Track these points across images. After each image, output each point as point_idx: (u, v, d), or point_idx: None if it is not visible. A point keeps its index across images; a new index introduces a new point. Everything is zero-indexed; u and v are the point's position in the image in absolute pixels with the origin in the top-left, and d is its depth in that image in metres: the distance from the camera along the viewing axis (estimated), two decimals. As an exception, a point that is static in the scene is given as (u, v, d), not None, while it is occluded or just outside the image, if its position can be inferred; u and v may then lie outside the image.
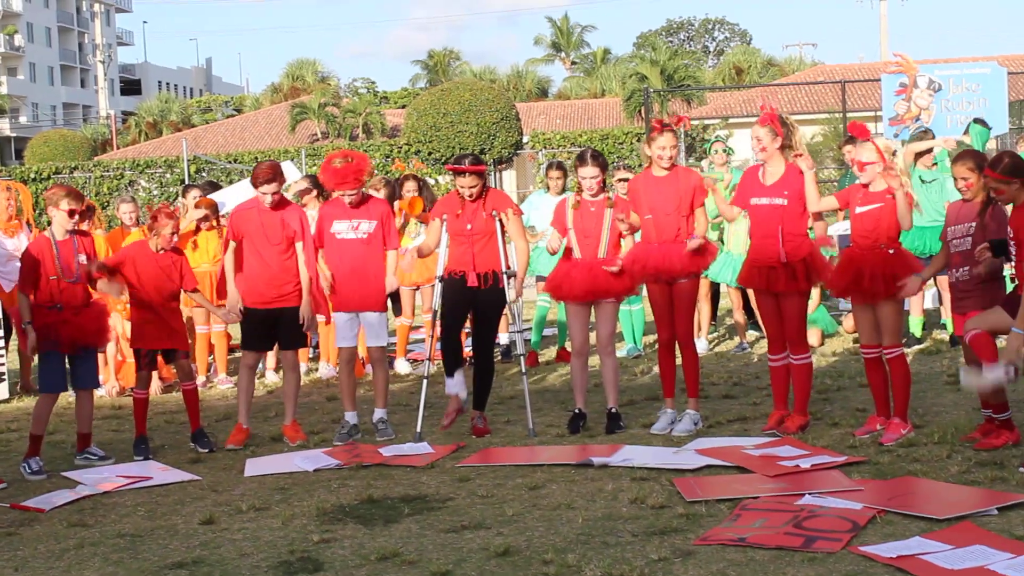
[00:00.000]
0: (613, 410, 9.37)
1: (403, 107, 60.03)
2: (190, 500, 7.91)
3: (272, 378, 12.53)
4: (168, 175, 43.56)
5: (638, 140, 42.36)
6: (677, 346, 9.36)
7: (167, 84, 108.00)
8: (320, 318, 12.40)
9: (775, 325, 8.97)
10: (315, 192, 12.69)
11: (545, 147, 43.36)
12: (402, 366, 12.79)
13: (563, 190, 12.68)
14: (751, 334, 13.29)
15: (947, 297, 11.42)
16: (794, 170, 8.79)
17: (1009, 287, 7.99)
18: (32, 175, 43.55)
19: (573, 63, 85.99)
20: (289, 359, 9.78)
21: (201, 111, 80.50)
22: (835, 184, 37.47)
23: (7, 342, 12.39)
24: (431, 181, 40.27)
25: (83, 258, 8.99)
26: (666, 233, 9.06)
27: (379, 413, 9.65)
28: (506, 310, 9.80)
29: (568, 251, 9.44)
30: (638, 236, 9.36)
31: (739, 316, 13.07)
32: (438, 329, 9.62)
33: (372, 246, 9.53)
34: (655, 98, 43.85)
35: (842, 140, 13.61)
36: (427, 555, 6.42)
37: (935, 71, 18.41)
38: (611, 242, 9.32)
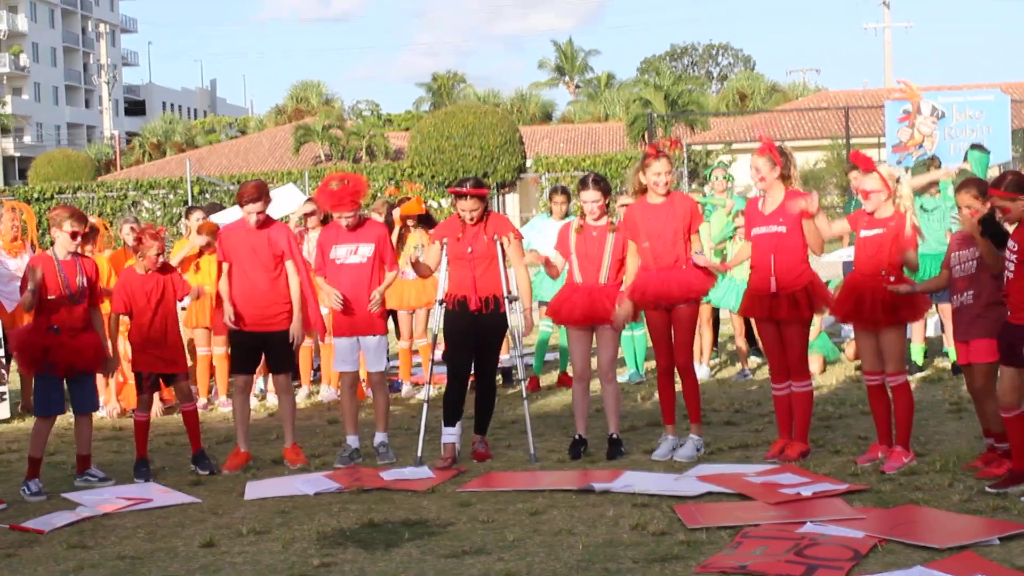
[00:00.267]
0: (614, 436, 9.36)
1: (407, 130, 60.14)
2: (190, 523, 7.90)
3: (274, 400, 12.50)
4: (171, 196, 43.62)
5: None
6: (677, 372, 9.36)
7: (171, 105, 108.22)
8: (326, 340, 12.43)
9: (777, 354, 8.96)
10: (320, 215, 12.70)
11: (548, 171, 43.44)
12: (407, 389, 12.78)
13: (566, 214, 12.68)
14: (753, 360, 13.28)
15: (949, 325, 11.40)
16: (793, 197, 8.78)
17: None
18: (36, 195, 43.59)
19: (577, 87, 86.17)
20: (282, 382, 9.74)
21: (205, 132, 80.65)
22: (839, 211, 37.55)
23: (8, 362, 12.39)
24: (434, 204, 40.41)
25: (84, 280, 8.99)
26: (664, 259, 9.06)
27: (380, 437, 9.64)
28: (509, 334, 9.80)
29: (569, 275, 9.43)
30: None
31: (741, 342, 13.06)
32: (437, 353, 9.61)
33: (371, 269, 9.52)
34: (659, 123, 43.94)
35: (847, 167, 13.64)
36: (427, 580, 6.41)
37: (939, 98, 18.45)
38: (612, 266, 9.33)
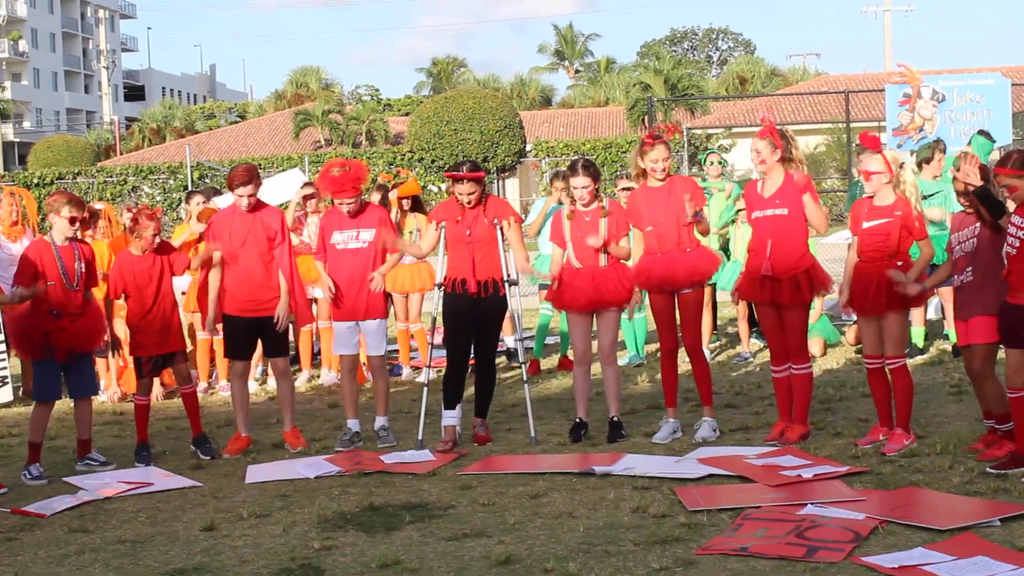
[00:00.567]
0: (615, 419, 9.36)
1: (407, 115, 60.12)
2: (191, 506, 7.91)
3: (275, 384, 12.49)
4: (171, 181, 43.59)
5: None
6: (681, 356, 9.37)
7: (171, 90, 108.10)
8: (324, 324, 12.44)
9: (777, 337, 8.97)
10: (319, 200, 12.71)
11: (548, 155, 43.43)
12: (407, 372, 12.79)
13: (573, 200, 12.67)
14: (754, 343, 13.27)
15: (949, 308, 11.40)
16: (792, 181, 8.79)
17: None
18: (35, 180, 43.58)
19: (577, 72, 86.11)
20: (279, 366, 9.75)
21: (205, 117, 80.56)
22: (838, 195, 37.52)
23: (8, 347, 12.38)
24: (433, 188, 40.42)
25: (82, 266, 8.98)
26: (668, 243, 9.06)
27: (380, 421, 9.65)
28: (509, 315, 9.80)
29: (568, 261, 9.41)
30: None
31: (743, 325, 13.05)
32: (437, 337, 9.60)
33: (372, 255, 9.51)
34: (659, 107, 43.91)
35: (857, 148, 13.62)
36: (428, 563, 6.42)
37: (939, 82, 18.41)
38: (693, 227, 9.26)
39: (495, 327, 9.55)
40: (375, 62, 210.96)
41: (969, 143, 12.80)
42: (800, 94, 50.60)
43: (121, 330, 11.07)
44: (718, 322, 14.46)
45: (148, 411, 9.55)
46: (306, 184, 13.26)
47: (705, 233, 9.42)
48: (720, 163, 13.44)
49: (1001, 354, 7.89)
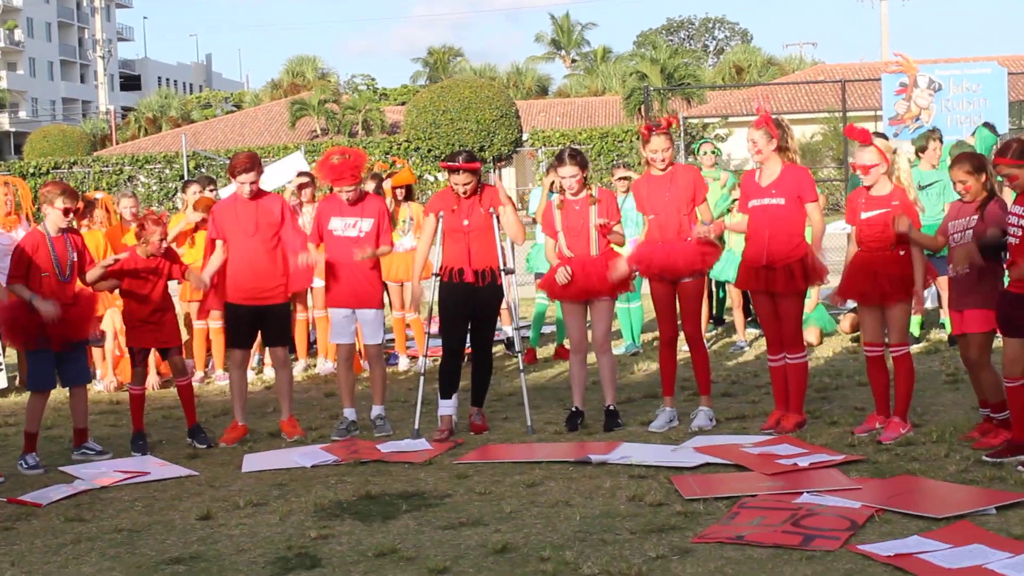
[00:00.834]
0: (611, 407, 9.37)
1: (403, 104, 60.12)
2: (187, 495, 7.91)
3: (271, 373, 12.51)
4: (167, 171, 43.60)
5: (637, 138, 42.32)
6: (681, 345, 9.37)
7: (167, 80, 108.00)
8: (319, 313, 12.44)
9: (773, 326, 8.97)
10: (314, 188, 12.71)
11: (545, 144, 43.42)
12: (403, 362, 12.79)
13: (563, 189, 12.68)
14: (750, 332, 13.27)
15: (946, 296, 11.40)
16: (790, 171, 8.80)
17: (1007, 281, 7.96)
18: (31, 170, 43.58)
19: (573, 61, 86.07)
20: (279, 355, 9.76)
21: (201, 107, 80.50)
22: (834, 184, 37.53)
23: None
24: (429, 178, 40.42)
25: (74, 255, 8.97)
26: (669, 232, 9.07)
27: (377, 410, 9.65)
28: (506, 305, 9.80)
29: (560, 250, 9.41)
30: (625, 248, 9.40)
31: (738, 314, 13.06)
32: (433, 326, 9.59)
33: (369, 244, 9.50)
34: (655, 96, 43.88)
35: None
36: (425, 551, 6.42)
37: (935, 71, 18.45)
38: (600, 237, 9.31)
39: (492, 316, 9.55)
40: (371, 51, 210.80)
41: (973, 134, 12.80)
42: (796, 83, 50.61)
43: (117, 321, 11.09)
44: (713, 311, 14.46)
45: (143, 400, 9.55)
46: (301, 173, 13.26)
47: (620, 244, 9.43)
48: (714, 152, 13.44)
49: (997, 343, 7.89)
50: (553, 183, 9.57)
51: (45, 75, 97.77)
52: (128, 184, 42.82)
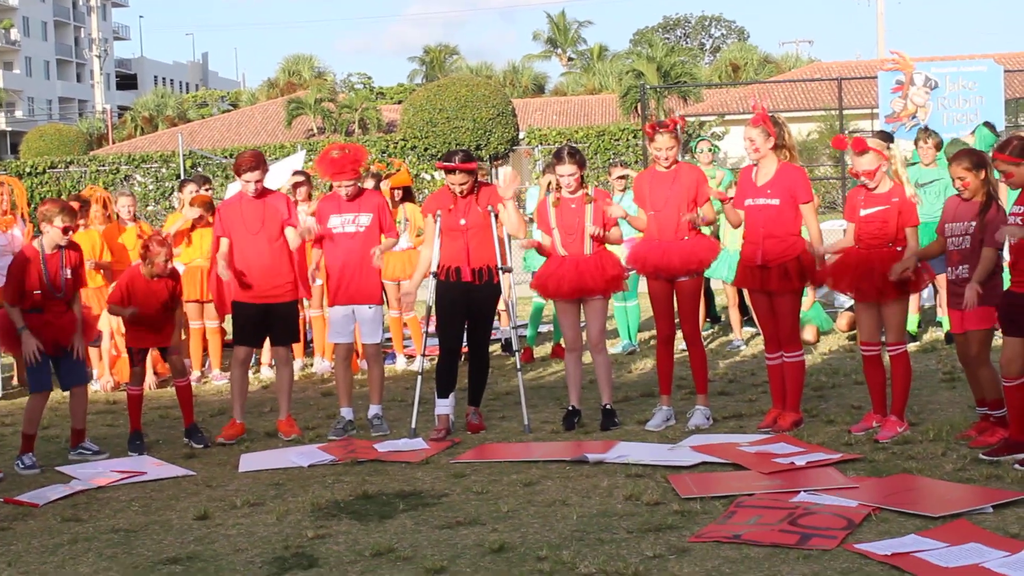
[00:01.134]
0: (608, 406, 9.36)
1: (399, 103, 60.09)
2: (184, 495, 7.90)
3: (267, 373, 12.51)
4: (164, 170, 43.54)
5: (634, 136, 42.40)
6: (678, 344, 9.38)
7: (163, 79, 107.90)
8: (315, 313, 12.44)
9: (770, 324, 8.97)
10: (310, 187, 12.72)
11: (541, 143, 43.40)
12: (401, 361, 12.79)
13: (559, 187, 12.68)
14: (747, 331, 13.28)
15: (943, 295, 11.40)
16: (785, 171, 8.79)
17: (1007, 283, 7.96)
18: (27, 169, 43.52)
19: (570, 59, 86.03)
20: (282, 354, 9.76)
21: (197, 106, 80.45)
22: (831, 182, 37.53)
23: None
24: (426, 177, 40.41)
25: (68, 272, 8.96)
26: (667, 231, 9.07)
27: (374, 409, 9.65)
28: (504, 305, 9.80)
29: (551, 251, 9.40)
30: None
31: (734, 313, 13.06)
32: (431, 325, 9.58)
33: (369, 239, 9.50)
34: (651, 95, 43.83)
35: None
36: (422, 551, 6.42)
37: (932, 68, 18.44)
38: (596, 238, 9.30)
39: (489, 315, 9.55)
40: (367, 50, 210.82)
41: (972, 132, 12.80)
42: (793, 81, 50.54)
43: (113, 321, 11.09)
44: (711, 310, 14.46)
45: (141, 401, 9.55)
46: (296, 172, 13.26)
47: (616, 243, 9.46)
48: (711, 150, 13.44)
49: (996, 341, 7.89)
50: (549, 183, 9.56)
51: (41, 74, 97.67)
52: (125, 183, 42.76)
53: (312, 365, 12.90)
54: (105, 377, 12.19)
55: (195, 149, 45.10)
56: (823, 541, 6.18)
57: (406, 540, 6.63)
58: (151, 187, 43.36)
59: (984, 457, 7.63)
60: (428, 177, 40.81)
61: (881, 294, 8.46)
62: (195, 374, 12.16)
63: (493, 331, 10.86)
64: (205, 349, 12.65)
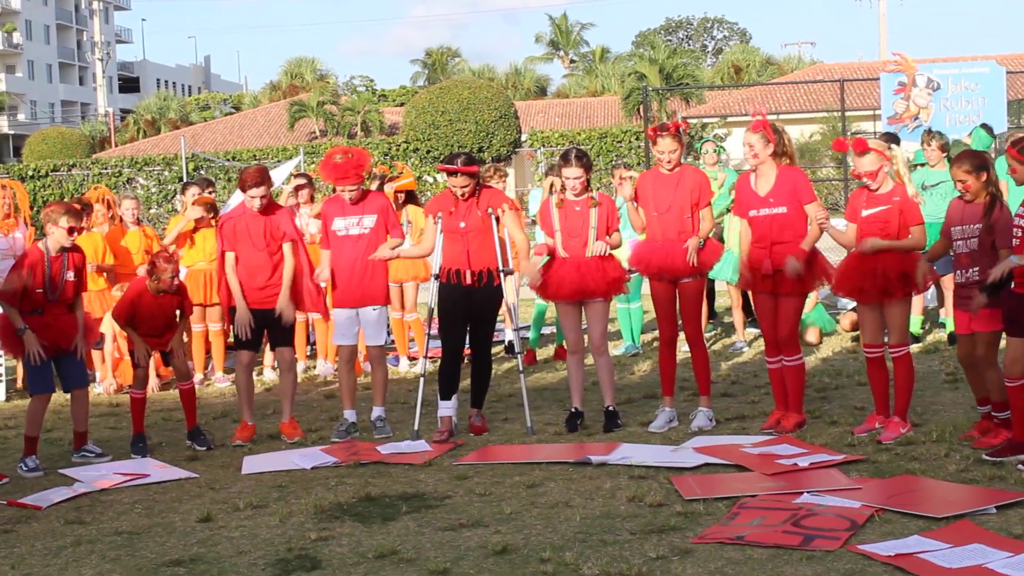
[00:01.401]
0: (610, 408, 9.36)
1: (402, 105, 60.08)
2: (187, 498, 7.90)
3: (270, 376, 12.52)
4: (166, 173, 43.58)
5: (636, 139, 42.39)
6: (681, 345, 9.37)
7: (165, 82, 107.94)
8: (316, 316, 12.44)
9: (771, 327, 8.96)
10: (312, 188, 12.74)
11: (544, 145, 43.39)
12: (404, 364, 12.79)
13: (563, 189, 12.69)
14: (750, 332, 13.27)
15: (949, 296, 11.39)
16: (785, 175, 8.78)
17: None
18: (30, 173, 43.56)
19: (572, 61, 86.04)
20: (284, 357, 9.77)
21: (199, 109, 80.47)
22: (833, 183, 37.51)
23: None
24: (428, 179, 40.42)
25: (70, 275, 8.97)
26: (670, 232, 9.06)
27: (377, 411, 9.65)
28: (505, 308, 9.79)
29: (553, 253, 9.40)
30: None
31: (738, 314, 13.05)
32: (433, 327, 9.59)
33: (374, 241, 9.51)
34: (654, 97, 43.86)
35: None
36: (425, 553, 6.42)
37: (934, 70, 18.46)
38: (599, 239, 9.30)
39: (490, 317, 9.54)
40: (369, 53, 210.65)
41: (969, 135, 12.80)
42: (795, 83, 50.54)
43: (115, 325, 11.07)
44: (715, 311, 14.46)
45: (144, 404, 9.55)
46: (298, 175, 13.26)
47: (616, 246, 9.46)
48: (716, 151, 13.43)
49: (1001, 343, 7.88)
50: (552, 184, 9.56)
51: (44, 77, 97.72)
52: (127, 186, 42.79)
53: (315, 367, 12.90)
54: (108, 380, 12.19)
55: (198, 152, 45.11)
56: (826, 542, 6.18)
57: (409, 542, 6.63)
58: (154, 190, 43.39)
59: (987, 458, 7.62)
60: (431, 180, 40.82)
61: (882, 295, 8.45)
62: (198, 377, 12.16)
63: (496, 333, 10.86)
64: (208, 352, 12.66)
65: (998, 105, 18.14)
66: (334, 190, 9.92)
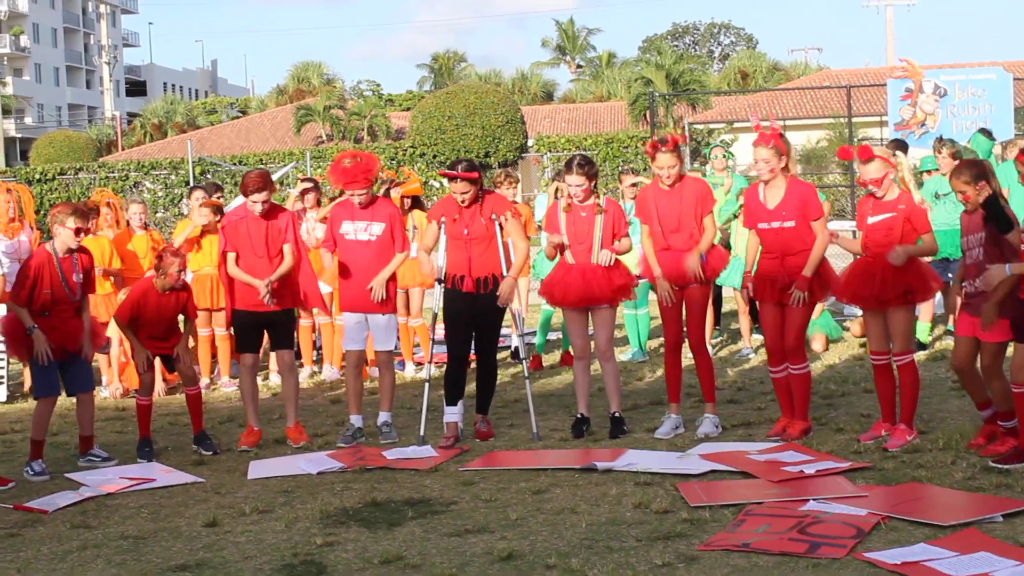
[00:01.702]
0: (616, 414, 9.36)
1: (408, 110, 60.06)
2: (193, 502, 7.91)
3: (277, 380, 12.52)
4: (173, 177, 43.56)
5: (643, 144, 42.33)
6: (686, 352, 9.37)
7: (172, 86, 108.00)
8: (324, 320, 12.46)
9: (775, 337, 8.93)
10: (318, 192, 12.74)
11: (550, 150, 43.36)
12: (410, 369, 12.79)
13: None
14: (756, 339, 13.26)
15: (956, 303, 11.35)
16: (795, 189, 8.75)
17: None
18: (37, 176, 43.56)
19: (579, 66, 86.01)
20: (286, 361, 9.77)
21: (206, 113, 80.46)
22: (839, 190, 37.47)
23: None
24: (435, 184, 40.42)
25: (80, 276, 8.99)
26: (677, 241, 9.06)
27: (383, 416, 9.65)
28: (510, 314, 9.79)
29: (562, 255, 9.41)
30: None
31: (744, 321, 13.04)
32: (438, 332, 9.59)
33: (381, 248, 9.52)
34: (660, 102, 43.85)
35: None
36: (430, 559, 6.42)
37: (941, 76, 18.45)
38: (604, 247, 9.29)
39: (495, 323, 9.54)
40: (376, 57, 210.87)
41: (969, 141, 12.79)
42: (802, 89, 50.53)
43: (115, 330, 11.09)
44: (721, 318, 14.45)
45: (150, 409, 9.56)
46: (304, 179, 13.28)
47: (626, 252, 9.47)
48: (725, 156, 13.42)
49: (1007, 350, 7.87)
50: (558, 189, 9.55)
51: (51, 81, 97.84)
52: (134, 190, 42.81)
53: (321, 372, 12.90)
54: (114, 384, 12.20)
55: (204, 156, 45.10)
56: (832, 550, 6.17)
57: (415, 548, 6.63)
58: (160, 194, 43.37)
59: (994, 465, 7.61)
60: (437, 184, 40.81)
61: (884, 303, 8.44)
62: (204, 381, 12.17)
63: (502, 339, 10.85)
64: (214, 356, 12.67)
65: (1005, 111, 18.12)
66: (341, 193, 9.92)
